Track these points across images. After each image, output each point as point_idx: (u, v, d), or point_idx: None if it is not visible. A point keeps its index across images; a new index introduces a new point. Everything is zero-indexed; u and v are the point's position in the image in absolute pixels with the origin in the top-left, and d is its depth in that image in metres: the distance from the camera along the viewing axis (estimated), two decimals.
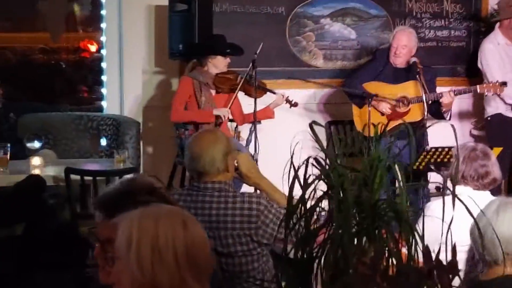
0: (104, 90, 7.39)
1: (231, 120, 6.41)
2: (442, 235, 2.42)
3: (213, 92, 6.24)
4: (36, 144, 6.19)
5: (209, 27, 6.69)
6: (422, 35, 7.61)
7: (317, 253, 2.46)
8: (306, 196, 2.53)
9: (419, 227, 2.41)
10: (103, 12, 7.26)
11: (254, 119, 6.13)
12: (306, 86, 7.26)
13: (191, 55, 6.39)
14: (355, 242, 2.39)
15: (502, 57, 6.88)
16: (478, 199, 2.83)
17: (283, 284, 2.48)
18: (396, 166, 2.45)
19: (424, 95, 6.14)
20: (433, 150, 5.50)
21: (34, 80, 9.89)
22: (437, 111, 6.39)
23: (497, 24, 7.03)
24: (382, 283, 1.96)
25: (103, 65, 7.34)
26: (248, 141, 6.28)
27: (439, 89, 6.60)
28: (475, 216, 2.92)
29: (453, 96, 6.33)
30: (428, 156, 5.46)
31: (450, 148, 5.36)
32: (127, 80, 7.17)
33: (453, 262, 1.90)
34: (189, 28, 6.60)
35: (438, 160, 5.48)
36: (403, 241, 2.35)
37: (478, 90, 6.50)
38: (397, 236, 2.37)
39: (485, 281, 2.95)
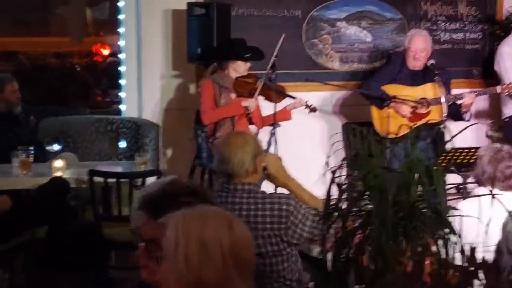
0: (122, 94, 7.44)
1: (250, 123, 6.45)
2: (478, 235, 2.46)
3: (233, 95, 6.28)
4: (56, 147, 6.23)
5: (227, 31, 6.74)
6: (437, 38, 7.65)
7: (355, 253, 2.50)
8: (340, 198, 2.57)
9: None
10: (121, 16, 7.31)
11: (274, 121, 6.17)
12: (322, 89, 7.30)
13: (211, 59, 6.44)
14: (393, 242, 2.43)
15: None
16: (505, 200, 2.86)
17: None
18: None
19: (444, 96, 6.20)
20: (453, 151, 5.54)
21: (50, 84, 9.97)
22: (456, 112, 6.44)
23: None
24: (427, 282, 2.00)
25: (121, 69, 7.39)
26: (268, 144, 6.32)
27: (454, 91, 6.65)
28: (503, 216, 2.96)
29: (474, 97, 6.39)
30: (449, 157, 5.50)
31: (470, 149, 5.40)
32: (145, 83, 7.23)
33: (498, 262, 1.94)
34: (207, 32, 6.65)
35: (458, 161, 5.52)
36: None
37: (499, 91, 6.55)
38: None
39: None
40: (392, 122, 6.16)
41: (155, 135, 6.81)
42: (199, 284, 2.05)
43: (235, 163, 3.66)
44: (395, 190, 2.42)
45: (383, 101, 6.41)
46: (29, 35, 11.54)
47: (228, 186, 3.71)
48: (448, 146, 5.87)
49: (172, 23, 7.19)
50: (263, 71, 6.31)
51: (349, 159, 7.40)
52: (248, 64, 6.29)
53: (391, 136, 5.64)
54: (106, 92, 10.76)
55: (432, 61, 6.47)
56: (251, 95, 6.26)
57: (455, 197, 2.83)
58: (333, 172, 2.60)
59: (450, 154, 5.51)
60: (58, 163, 5.76)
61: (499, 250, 3.21)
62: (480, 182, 4.06)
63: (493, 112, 7.71)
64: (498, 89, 6.53)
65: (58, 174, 5.65)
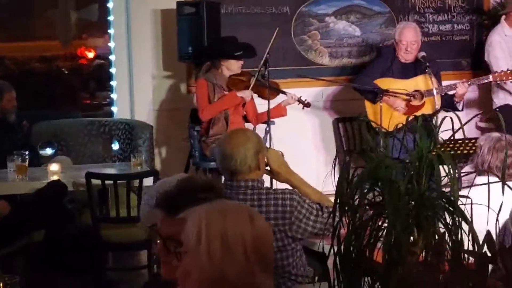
0: (114, 95, 7.43)
1: (246, 121, 6.46)
2: (488, 222, 2.48)
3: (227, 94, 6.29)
4: (49, 151, 6.22)
5: (218, 29, 6.76)
6: (426, 30, 7.70)
7: (366, 246, 2.51)
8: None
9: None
10: (110, 18, 7.30)
11: (268, 119, 6.19)
12: (312, 84, 7.32)
13: (203, 58, 6.44)
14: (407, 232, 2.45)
15: (510, 49, 6.96)
16: (506, 189, 2.87)
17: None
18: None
19: (437, 87, 6.25)
20: (447, 142, 5.55)
21: (39, 89, 9.94)
22: (449, 102, 6.48)
23: (503, 17, 7.11)
24: (446, 270, 2.02)
25: (112, 70, 7.38)
26: (263, 142, 6.33)
27: (444, 83, 6.69)
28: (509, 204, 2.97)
29: (468, 87, 6.44)
30: (443, 149, 5.51)
31: (464, 140, 5.41)
32: (136, 84, 7.22)
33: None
34: (197, 31, 6.66)
35: (452, 152, 5.54)
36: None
37: (491, 79, 6.60)
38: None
39: None
40: (385, 115, 6.19)
41: (149, 135, 6.80)
42: (221, 279, 2.06)
43: (238, 160, 3.65)
44: (408, 180, 2.44)
45: (375, 95, 6.44)
46: (14, 41, 11.50)
47: (231, 183, 3.71)
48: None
49: (162, 23, 7.19)
50: (256, 68, 6.32)
51: (346, 153, 7.44)
52: (241, 62, 6.30)
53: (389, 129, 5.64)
54: (94, 94, 10.74)
55: (422, 53, 6.53)
56: None
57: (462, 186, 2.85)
58: (342, 166, 2.60)
59: (444, 146, 5.52)
60: (54, 166, 5.75)
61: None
62: (480, 172, 4.07)
63: (483, 104, 7.75)
64: (491, 77, 6.58)
65: (54, 177, 5.64)
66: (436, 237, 2.40)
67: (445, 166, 2.55)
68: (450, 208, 2.40)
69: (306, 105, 6.41)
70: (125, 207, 5.36)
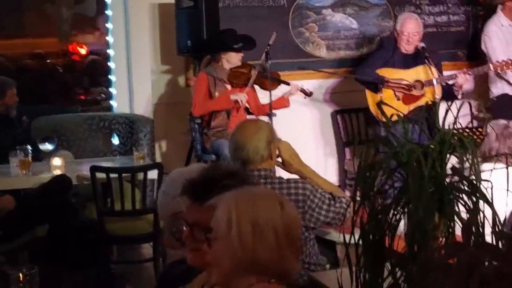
0: (113, 90, 7.43)
1: (249, 113, 6.47)
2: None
3: (228, 87, 6.30)
4: (49, 146, 6.22)
5: (216, 23, 6.75)
6: (422, 21, 7.70)
7: (389, 227, 2.53)
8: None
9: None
10: (108, 12, 7.30)
11: (270, 110, 6.20)
12: (311, 77, 7.34)
13: (202, 51, 6.45)
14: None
15: (506, 39, 7.00)
16: None
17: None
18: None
19: (437, 77, 6.30)
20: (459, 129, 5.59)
21: (34, 85, 9.92)
22: (449, 91, 6.53)
23: (500, 7, 7.14)
24: (475, 251, 2.03)
25: (111, 65, 7.38)
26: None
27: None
28: None
29: (468, 77, 6.49)
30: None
31: (472, 128, 5.45)
32: (135, 78, 7.22)
33: None
34: (196, 24, 6.65)
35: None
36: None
37: (491, 68, 6.64)
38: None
39: None
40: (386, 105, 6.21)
41: (150, 129, 6.81)
42: (254, 263, 2.08)
43: (250, 150, 3.68)
44: (431, 164, 2.46)
45: (377, 85, 6.50)
46: (7, 38, 11.50)
47: None
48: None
49: (160, 16, 7.18)
50: (256, 60, 6.33)
51: (346, 144, 7.44)
52: (241, 54, 6.32)
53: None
54: (88, 90, 10.75)
55: (422, 44, 6.57)
56: (245, 85, 6.29)
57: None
58: (361, 156, 2.61)
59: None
60: (57, 161, 5.75)
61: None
62: (487, 159, 4.10)
63: (480, 94, 7.78)
64: (491, 67, 6.62)
65: (58, 172, 5.65)
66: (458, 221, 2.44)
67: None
68: (472, 191, 2.43)
69: (308, 94, 6.44)
70: (129, 201, 5.37)
